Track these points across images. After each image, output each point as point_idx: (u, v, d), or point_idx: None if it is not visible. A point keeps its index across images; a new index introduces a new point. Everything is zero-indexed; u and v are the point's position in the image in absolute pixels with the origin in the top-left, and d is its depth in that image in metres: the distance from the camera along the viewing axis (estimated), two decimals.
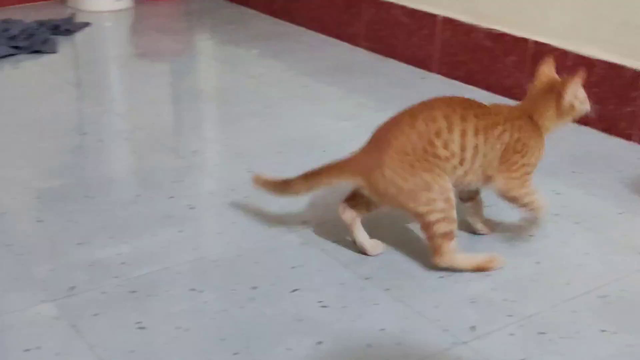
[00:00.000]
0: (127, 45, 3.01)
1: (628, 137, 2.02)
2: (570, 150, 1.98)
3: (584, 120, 2.10)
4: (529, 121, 1.48)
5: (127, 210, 1.67)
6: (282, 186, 1.50)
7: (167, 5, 3.37)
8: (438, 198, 1.40)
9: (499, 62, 2.31)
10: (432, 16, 2.49)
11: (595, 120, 2.08)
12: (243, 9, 3.28)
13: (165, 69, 2.69)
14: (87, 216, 1.64)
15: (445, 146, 1.40)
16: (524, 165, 1.46)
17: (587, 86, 2.10)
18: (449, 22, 2.45)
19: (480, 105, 1.47)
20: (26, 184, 1.79)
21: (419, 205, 1.40)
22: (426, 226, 1.41)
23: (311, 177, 1.47)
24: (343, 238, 1.55)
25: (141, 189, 1.78)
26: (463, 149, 1.41)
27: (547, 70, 1.53)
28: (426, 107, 1.44)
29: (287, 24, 3.07)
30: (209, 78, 2.64)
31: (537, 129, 1.49)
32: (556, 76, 1.52)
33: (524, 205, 1.49)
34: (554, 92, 1.48)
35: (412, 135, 1.40)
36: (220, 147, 2.03)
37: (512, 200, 1.49)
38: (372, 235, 1.51)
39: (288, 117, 2.21)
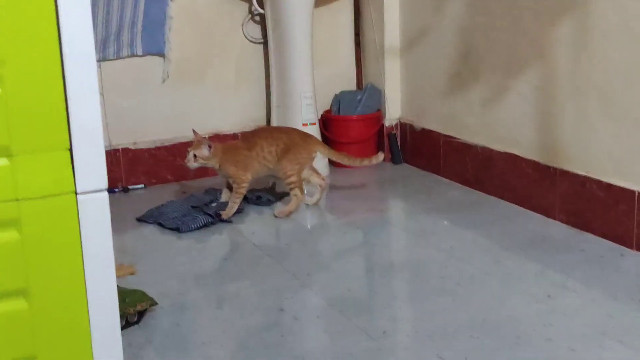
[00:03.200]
0: (323, 215, 3.13)
1: None
2: None
3: None
4: None
5: None
6: None
7: (360, 173, 3.50)
8: None
9: None
10: (630, 192, 2.41)
11: None
12: (435, 177, 3.34)
13: (358, 238, 2.76)
14: None
15: None
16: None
17: None
18: None
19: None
20: None
21: None
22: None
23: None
24: None
25: None
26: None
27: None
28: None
29: (479, 192, 3.09)
30: (400, 250, 2.68)
31: None
32: None
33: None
34: None
35: None
36: (410, 327, 2.03)
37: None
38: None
39: (480, 296, 2.18)
